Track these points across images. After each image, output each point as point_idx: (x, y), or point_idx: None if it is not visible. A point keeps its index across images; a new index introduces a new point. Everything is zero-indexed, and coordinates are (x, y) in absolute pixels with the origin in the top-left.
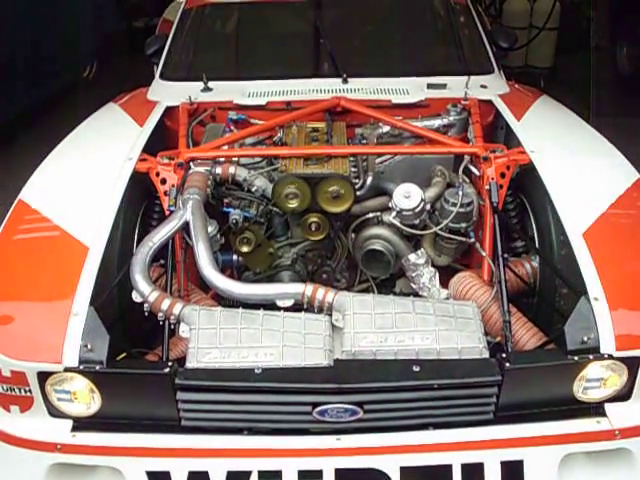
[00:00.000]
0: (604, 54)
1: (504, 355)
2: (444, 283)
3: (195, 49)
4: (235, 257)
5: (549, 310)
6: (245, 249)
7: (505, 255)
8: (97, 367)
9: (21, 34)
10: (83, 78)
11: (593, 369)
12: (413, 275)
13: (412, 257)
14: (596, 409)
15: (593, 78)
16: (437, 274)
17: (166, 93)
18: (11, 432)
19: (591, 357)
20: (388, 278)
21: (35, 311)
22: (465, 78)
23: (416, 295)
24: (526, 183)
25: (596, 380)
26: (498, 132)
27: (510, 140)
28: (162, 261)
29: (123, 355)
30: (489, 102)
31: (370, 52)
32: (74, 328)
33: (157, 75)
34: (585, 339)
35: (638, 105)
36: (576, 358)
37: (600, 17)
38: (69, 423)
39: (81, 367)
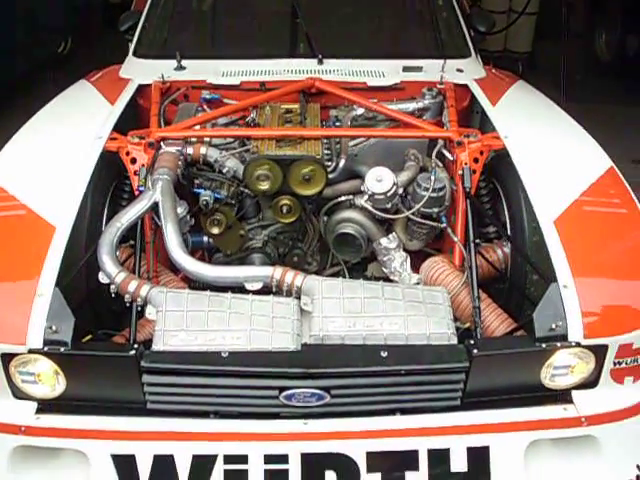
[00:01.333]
0: (583, 40)
1: (472, 341)
2: (416, 267)
3: (169, 26)
4: (205, 239)
5: (519, 296)
6: (215, 231)
7: (477, 240)
8: (62, 349)
9: None
10: (58, 54)
11: (561, 356)
12: (384, 259)
13: (384, 241)
14: (563, 396)
15: (566, 63)
16: (408, 258)
17: (139, 71)
18: None
19: (559, 345)
20: (359, 262)
21: None
22: (441, 61)
23: (387, 280)
24: (499, 168)
25: (563, 367)
26: (473, 117)
27: (485, 125)
28: (132, 242)
29: (89, 337)
30: (465, 86)
31: (346, 33)
32: (39, 309)
33: (130, 52)
34: (553, 326)
35: (615, 91)
36: (544, 345)
37: (579, 3)
38: (33, 405)
39: (45, 349)
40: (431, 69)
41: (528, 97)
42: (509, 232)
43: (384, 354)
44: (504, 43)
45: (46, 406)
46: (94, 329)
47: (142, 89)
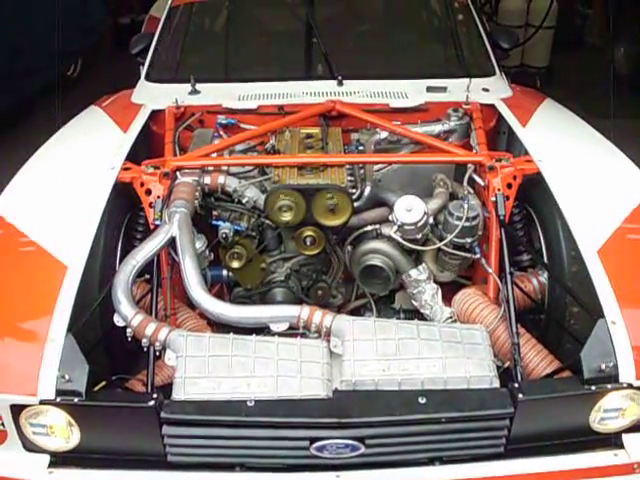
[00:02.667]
0: (601, 53)
1: (516, 385)
2: (447, 299)
3: (182, 49)
4: (225, 272)
5: (558, 329)
6: (236, 264)
7: (511, 270)
8: (75, 399)
9: (1, 30)
10: (67, 77)
11: (611, 399)
12: (414, 292)
13: (413, 273)
14: (613, 441)
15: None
16: (439, 291)
17: (152, 96)
18: None
19: (609, 387)
20: (386, 294)
21: (8, 337)
22: (466, 81)
23: (417, 312)
24: (533, 194)
25: (614, 410)
26: (499, 137)
27: (512, 146)
28: (147, 275)
29: (102, 384)
30: (491, 106)
31: (366, 53)
32: (50, 356)
33: (142, 76)
34: (603, 367)
35: (636, 105)
36: (593, 388)
37: (597, 16)
38: (46, 458)
39: (58, 399)
40: (456, 89)
41: (559, 117)
42: (546, 261)
43: (422, 400)
44: (521, 58)
45: (60, 459)
46: (107, 374)
47: (155, 115)
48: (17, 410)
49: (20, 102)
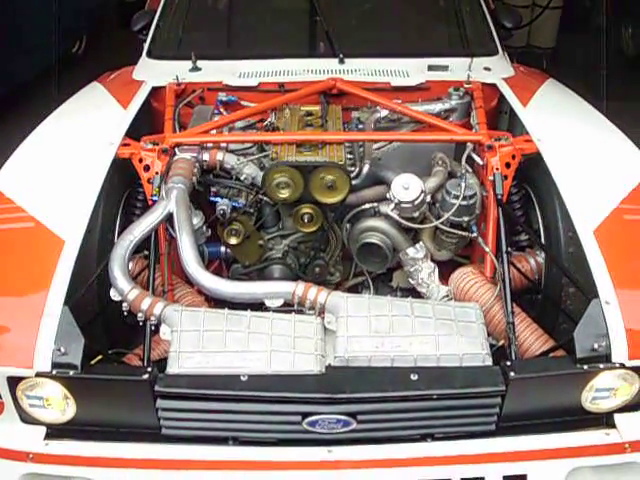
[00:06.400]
0: (608, 34)
1: (508, 363)
2: (444, 277)
3: (184, 26)
4: (223, 249)
5: (554, 309)
6: (233, 241)
7: (508, 249)
8: (71, 372)
9: (3, 7)
10: (72, 54)
11: (603, 378)
12: (411, 270)
13: (410, 251)
14: (605, 420)
15: (591, 58)
16: (436, 269)
17: (152, 72)
18: None
19: (602, 366)
20: (384, 272)
21: (5, 310)
22: (468, 60)
23: (414, 291)
24: (532, 173)
25: (606, 390)
26: (501, 117)
27: (514, 126)
28: (146, 252)
29: (99, 358)
30: (493, 86)
31: (368, 31)
32: (46, 330)
33: (144, 53)
34: (596, 346)
35: None
36: (586, 367)
37: None
38: (42, 430)
39: (54, 372)
40: (457, 68)
41: (560, 97)
42: (543, 241)
43: (414, 377)
44: (527, 38)
45: (55, 431)
46: (105, 348)
47: (156, 91)
48: (14, 382)
49: (24, 79)
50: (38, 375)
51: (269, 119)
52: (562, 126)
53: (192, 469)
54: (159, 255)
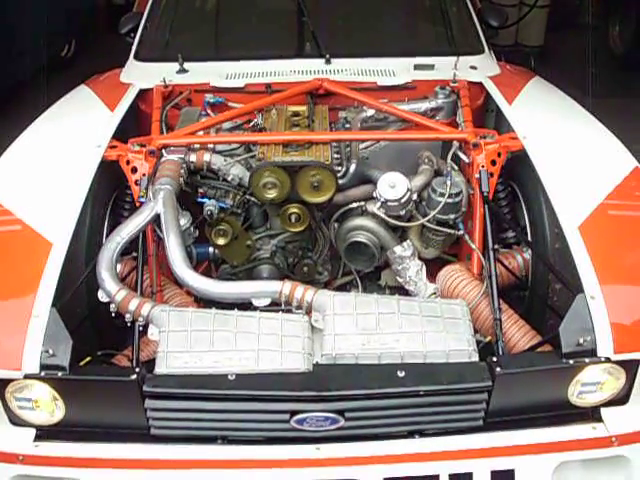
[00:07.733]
0: (595, 32)
1: (495, 359)
2: (432, 275)
3: (171, 28)
4: (211, 250)
5: (541, 305)
6: (221, 241)
7: (495, 246)
8: (59, 374)
9: None
10: (61, 57)
11: (589, 373)
12: (399, 268)
13: (398, 249)
14: (591, 414)
15: (587, 58)
16: (424, 267)
17: (140, 75)
18: None
19: (587, 361)
20: (372, 271)
21: None
22: (454, 59)
23: (402, 289)
24: (518, 171)
25: (592, 384)
26: (488, 116)
27: (500, 124)
28: (135, 253)
29: (87, 359)
30: (479, 84)
31: (354, 31)
32: (34, 331)
33: (131, 56)
34: (581, 341)
35: (631, 85)
36: (572, 362)
37: None
38: (32, 432)
39: (42, 374)
40: (443, 67)
41: (546, 94)
42: (529, 238)
43: (401, 374)
44: (515, 37)
45: (45, 433)
46: (95, 350)
47: (143, 94)
48: (2, 385)
49: (13, 82)
50: (27, 377)
51: (256, 120)
52: (547, 123)
53: (181, 469)
54: (147, 256)
